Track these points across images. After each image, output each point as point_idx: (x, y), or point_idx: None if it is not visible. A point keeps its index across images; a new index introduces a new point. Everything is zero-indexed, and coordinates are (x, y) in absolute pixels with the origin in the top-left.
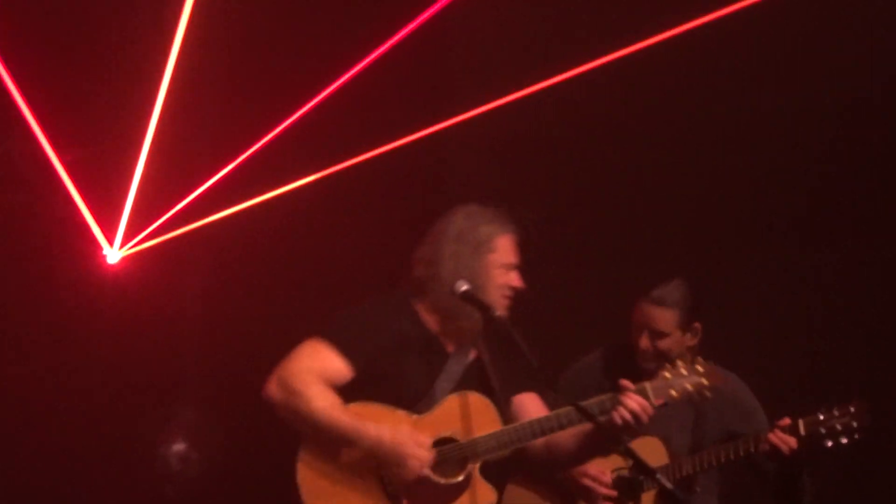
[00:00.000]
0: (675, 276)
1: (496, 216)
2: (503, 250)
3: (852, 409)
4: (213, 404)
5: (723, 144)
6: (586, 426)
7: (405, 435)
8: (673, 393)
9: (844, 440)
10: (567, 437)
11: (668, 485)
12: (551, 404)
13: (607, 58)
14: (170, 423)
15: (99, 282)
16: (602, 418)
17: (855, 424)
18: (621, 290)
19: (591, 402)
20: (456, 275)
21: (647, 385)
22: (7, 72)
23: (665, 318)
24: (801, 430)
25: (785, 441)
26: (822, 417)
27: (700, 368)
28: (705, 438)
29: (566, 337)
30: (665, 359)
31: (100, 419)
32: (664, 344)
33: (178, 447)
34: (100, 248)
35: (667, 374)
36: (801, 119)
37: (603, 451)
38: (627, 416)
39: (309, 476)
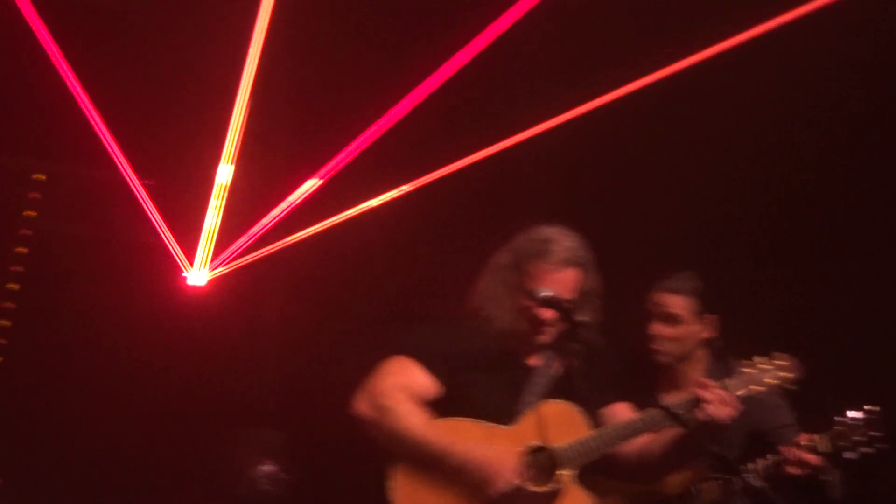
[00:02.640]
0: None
1: (568, 237)
2: (568, 271)
3: (867, 417)
4: (298, 423)
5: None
6: (675, 430)
7: (493, 451)
8: (754, 387)
9: (865, 450)
10: (656, 442)
11: (757, 483)
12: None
13: (663, 72)
14: (256, 444)
15: (180, 304)
16: (687, 417)
17: (873, 434)
18: None
19: (675, 403)
20: (524, 288)
21: (727, 381)
22: (90, 101)
23: (678, 303)
24: (824, 447)
25: (806, 460)
26: (840, 430)
27: (781, 362)
28: (729, 441)
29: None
30: (679, 348)
31: (186, 440)
32: (677, 331)
33: (266, 468)
34: (181, 270)
35: (746, 370)
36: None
37: (692, 455)
38: (711, 410)
39: (402, 493)
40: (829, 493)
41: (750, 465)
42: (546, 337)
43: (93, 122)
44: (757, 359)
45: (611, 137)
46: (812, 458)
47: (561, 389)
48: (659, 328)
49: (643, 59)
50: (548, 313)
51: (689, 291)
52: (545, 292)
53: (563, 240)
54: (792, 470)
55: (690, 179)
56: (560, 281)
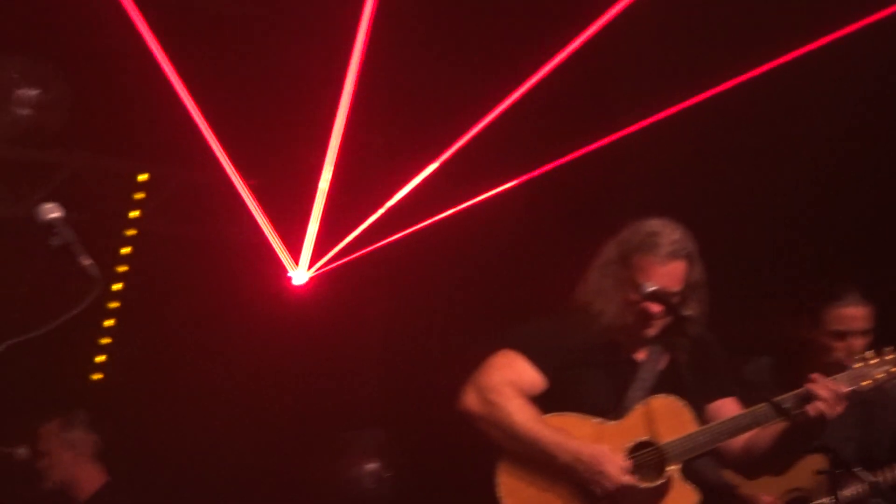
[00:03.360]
0: (846, 281)
1: (675, 230)
2: (676, 266)
3: None
4: (401, 421)
5: None
6: (782, 425)
7: (603, 448)
8: (864, 382)
9: None
10: (764, 436)
11: (870, 478)
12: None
13: (765, 67)
14: (360, 443)
15: (286, 303)
16: (796, 412)
17: None
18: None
19: (784, 397)
20: (632, 282)
21: (837, 377)
22: (193, 101)
23: (868, 315)
24: None
25: None
26: None
27: (890, 357)
28: (876, 444)
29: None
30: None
31: (290, 440)
32: (863, 343)
33: (370, 467)
34: (285, 270)
35: (856, 365)
36: None
37: (799, 451)
38: (821, 406)
39: (511, 488)
40: None
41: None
42: (653, 331)
43: (196, 122)
44: (867, 353)
45: (719, 130)
46: None
47: (668, 384)
48: (842, 345)
49: (749, 52)
50: (654, 307)
51: (867, 301)
52: (651, 286)
53: (669, 233)
54: None
55: (796, 173)
56: (667, 274)
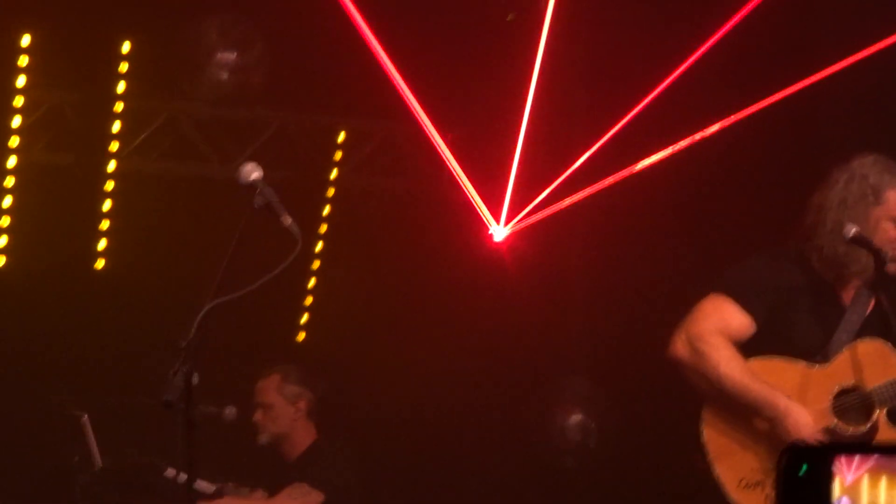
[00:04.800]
0: None
1: (888, 168)
2: (892, 203)
3: None
4: (605, 372)
5: None
6: None
7: (804, 414)
8: None
9: None
10: None
11: None
12: None
13: None
14: (566, 393)
15: (487, 259)
16: None
17: None
18: None
19: None
20: (843, 221)
21: None
22: (388, 56)
23: None
24: None
25: None
26: None
27: None
28: None
29: None
30: None
31: (495, 393)
32: None
33: (576, 418)
34: (486, 226)
35: None
36: None
37: None
38: None
39: (715, 436)
40: None
41: None
42: (857, 270)
43: (392, 77)
44: None
45: None
46: None
47: (875, 327)
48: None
49: None
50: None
51: None
52: (853, 229)
53: (886, 164)
54: None
55: None
56: (890, 201)
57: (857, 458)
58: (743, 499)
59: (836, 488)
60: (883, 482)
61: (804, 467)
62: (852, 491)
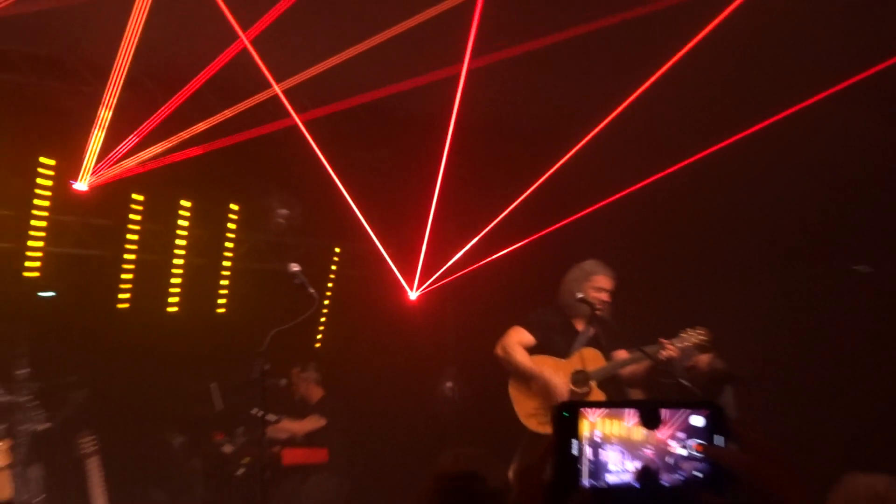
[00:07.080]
0: None
1: (598, 265)
2: (595, 280)
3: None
4: (466, 370)
5: None
6: (647, 362)
7: (559, 377)
8: (687, 343)
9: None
10: (639, 368)
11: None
12: (631, 352)
13: None
14: (443, 382)
15: (406, 311)
16: (654, 357)
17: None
18: None
19: (649, 349)
20: (572, 291)
21: (673, 340)
22: (351, 199)
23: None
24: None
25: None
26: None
27: (699, 331)
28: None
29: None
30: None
31: (407, 392)
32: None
33: (449, 386)
34: (405, 290)
35: (683, 335)
36: None
37: (656, 375)
38: (665, 354)
39: (515, 393)
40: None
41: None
42: (583, 315)
43: (356, 213)
44: (688, 329)
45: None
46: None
47: (592, 341)
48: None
49: None
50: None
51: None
52: (580, 295)
53: (591, 267)
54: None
55: None
56: (595, 281)
57: (595, 409)
58: (527, 423)
59: (585, 424)
60: (608, 421)
61: (566, 413)
62: (593, 426)
